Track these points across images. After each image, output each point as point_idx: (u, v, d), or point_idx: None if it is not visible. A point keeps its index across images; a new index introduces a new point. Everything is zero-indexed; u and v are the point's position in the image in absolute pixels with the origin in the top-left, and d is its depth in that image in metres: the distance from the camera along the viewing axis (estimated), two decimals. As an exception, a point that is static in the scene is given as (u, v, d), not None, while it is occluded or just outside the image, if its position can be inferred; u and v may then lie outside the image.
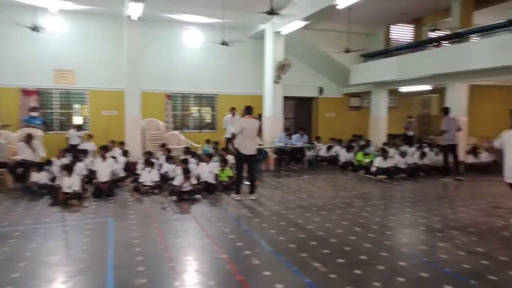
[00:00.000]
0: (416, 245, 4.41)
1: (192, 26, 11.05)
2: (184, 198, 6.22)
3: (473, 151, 9.81)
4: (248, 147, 6.40)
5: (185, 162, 6.78)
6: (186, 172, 6.38)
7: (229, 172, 7.38)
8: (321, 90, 12.95)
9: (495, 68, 7.84)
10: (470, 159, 9.71)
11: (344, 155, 10.46)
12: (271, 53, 10.23)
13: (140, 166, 7.57)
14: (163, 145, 8.70)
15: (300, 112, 13.39)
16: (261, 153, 9.55)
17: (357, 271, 3.55)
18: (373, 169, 8.97)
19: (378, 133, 11.87)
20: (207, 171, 7.08)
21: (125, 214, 5.49)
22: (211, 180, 7.00)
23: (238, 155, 6.49)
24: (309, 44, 11.47)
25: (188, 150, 8.43)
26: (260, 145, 9.82)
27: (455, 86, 9.34)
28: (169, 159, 7.84)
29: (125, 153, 8.37)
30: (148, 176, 6.91)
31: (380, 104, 11.87)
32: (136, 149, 8.93)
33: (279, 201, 6.44)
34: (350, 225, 5.05)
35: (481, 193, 7.14)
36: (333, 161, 10.86)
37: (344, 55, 11.45)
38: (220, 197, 6.68)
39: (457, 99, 9.38)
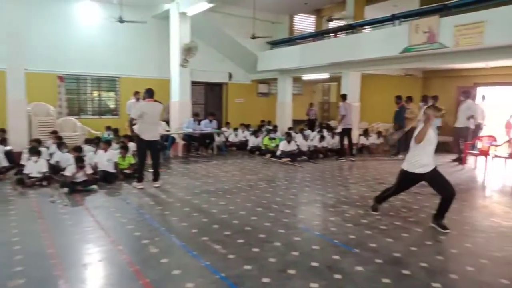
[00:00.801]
0: (310, 220, 4.72)
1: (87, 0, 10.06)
2: (77, 189, 5.68)
3: (365, 133, 10.89)
4: (150, 133, 6.08)
5: (78, 150, 6.20)
6: (79, 161, 5.84)
7: (131, 159, 6.98)
8: (230, 76, 12.99)
9: (382, 58, 8.72)
10: (362, 141, 10.76)
11: (252, 140, 10.74)
12: (177, 35, 9.86)
13: (25, 156, 6.70)
14: (53, 132, 7.82)
15: (210, 97, 13.28)
16: (168, 139, 9.24)
17: (255, 249, 3.65)
18: (278, 152, 9.37)
19: (284, 119, 12.40)
20: (105, 159, 6.58)
21: (3, 211, 4.81)
22: (111, 169, 6.54)
23: (139, 141, 6.13)
24: (217, 28, 11.34)
25: (94, 139, 7.75)
26: (167, 131, 9.49)
27: (349, 75, 10.16)
28: (61, 146, 7.06)
29: (3, 141, 7.29)
30: (35, 167, 6.16)
31: (285, 91, 12.38)
32: (21, 137, 7.86)
33: (185, 187, 6.31)
34: (252, 206, 5.18)
35: (369, 171, 7.95)
36: (242, 146, 11.10)
37: (252, 42, 11.61)
38: (120, 186, 6.28)
39: (351, 86, 10.23)
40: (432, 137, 4.19)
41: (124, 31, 10.03)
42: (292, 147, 9.35)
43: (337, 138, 9.84)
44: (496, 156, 7.98)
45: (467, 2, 7.25)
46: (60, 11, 9.86)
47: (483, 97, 10.15)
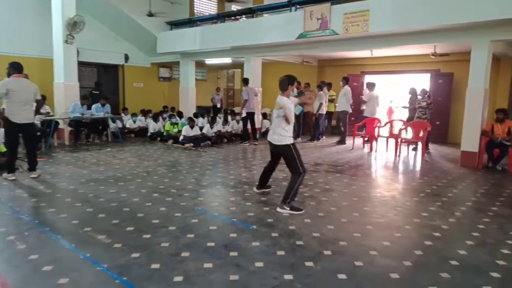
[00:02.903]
0: (209, 202, 4.54)
1: None
2: None
3: (267, 118, 11.14)
4: (21, 115, 5.16)
5: None
6: None
7: (1, 148, 5.92)
8: (126, 58, 12.01)
9: (280, 43, 8.91)
10: (267, 125, 10.99)
11: (152, 126, 10.15)
12: (59, 7, 8.64)
13: None
14: None
15: (104, 81, 12.08)
16: (51, 125, 8.12)
17: (146, 236, 3.33)
18: (180, 138, 9.01)
19: (188, 104, 11.97)
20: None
21: None
22: (-28, 159, 5.44)
23: (9, 125, 5.18)
24: (109, 4, 10.30)
25: None
26: (50, 114, 8.35)
27: (251, 60, 10.20)
28: None
29: None
30: None
31: (188, 75, 11.92)
32: None
33: (69, 177, 5.57)
34: (148, 192, 4.80)
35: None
36: (141, 133, 10.44)
37: (150, 21, 10.91)
38: (-14, 179, 5.28)
39: (253, 72, 10.29)
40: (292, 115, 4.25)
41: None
42: (195, 132, 9.08)
43: (241, 123, 9.86)
44: (379, 136, 8.86)
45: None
46: None
47: (373, 85, 11.12)
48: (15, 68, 5.13)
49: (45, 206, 4.17)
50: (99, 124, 9.27)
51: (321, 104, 9.99)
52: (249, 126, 9.55)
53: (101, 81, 11.05)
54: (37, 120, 7.63)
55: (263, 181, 4.82)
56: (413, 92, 9.41)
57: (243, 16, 10.10)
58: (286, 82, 4.25)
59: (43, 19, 9.38)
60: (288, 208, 4.06)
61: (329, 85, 10.78)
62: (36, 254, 2.93)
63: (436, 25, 6.49)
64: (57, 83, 9.02)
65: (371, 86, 9.93)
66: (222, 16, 10.39)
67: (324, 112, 10.25)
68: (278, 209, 4.11)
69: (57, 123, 8.23)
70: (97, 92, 10.03)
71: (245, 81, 9.67)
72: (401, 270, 2.80)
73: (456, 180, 5.89)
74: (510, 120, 6.76)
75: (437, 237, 3.48)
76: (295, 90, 4.52)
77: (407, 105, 9.59)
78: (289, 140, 4.20)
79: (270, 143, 4.38)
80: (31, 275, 2.62)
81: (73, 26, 8.57)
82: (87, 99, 9.18)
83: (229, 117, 10.58)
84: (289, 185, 4.14)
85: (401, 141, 8.31)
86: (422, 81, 11.25)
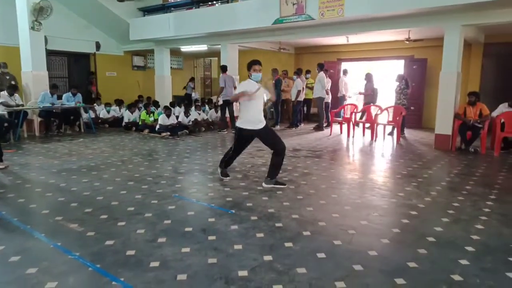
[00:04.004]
0: (187, 188, 4.45)
1: None
2: None
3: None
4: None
5: None
6: None
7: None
8: (98, 46, 11.58)
9: (256, 29, 8.79)
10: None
11: (127, 116, 9.89)
12: (23, -9, 8.21)
13: None
14: None
15: (75, 70, 11.64)
16: (19, 116, 7.75)
17: (121, 223, 3.22)
18: (157, 127, 8.82)
19: (164, 93, 11.70)
20: None
21: None
22: None
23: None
24: (77, -11, 9.87)
25: None
26: (19, 105, 7.97)
27: (227, 47, 10.03)
28: None
29: None
30: None
31: (163, 63, 11.63)
32: None
33: (39, 167, 5.34)
34: (123, 180, 4.65)
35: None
36: (116, 123, 10.15)
37: (121, 7, 10.53)
38: None
39: (230, 59, 10.12)
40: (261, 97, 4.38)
41: None
42: (171, 120, 8.89)
43: (219, 111, 9.73)
44: (356, 122, 8.95)
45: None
46: None
47: (345, 71, 11.23)
48: None
49: (14, 196, 3.97)
50: (70, 114, 8.92)
51: (298, 91, 9.98)
52: (227, 114, 9.44)
53: (72, 71, 10.62)
54: (2, 111, 7.29)
55: (228, 163, 4.85)
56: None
57: (219, 1, 9.88)
58: (247, 67, 4.49)
59: (7, 4, 8.88)
60: (273, 183, 4.35)
61: (308, 72, 10.78)
62: (2, 245, 2.77)
63: (410, 9, 6.53)
64: (24, 72, 8.60)
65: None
66: (196, 2, 10.13)
67: (302, 99, 10.25)
68: (264, 184, 4.38)
69: (25, 113, 7.86)
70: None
71: (223, 68, 9.52)
72: (379, 248, 2.82)
73: (431, 162, 6.01)
74: (481, 103, 6.94)
75: (414, 216, 3.53)
76: (260, 75, 4.49)
77: (363, 91, 10.02)
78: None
79: (250, 130, 4.31)
80: (-4, 267, 2.48)
81: (39, 12, 8.15)
82: (57, 87, 8.78)
83: (207, 106, 10.41)
84: (275, 162, 4.34)
85: (377, 125, 8.41)
86: (396, 68, 11.43)
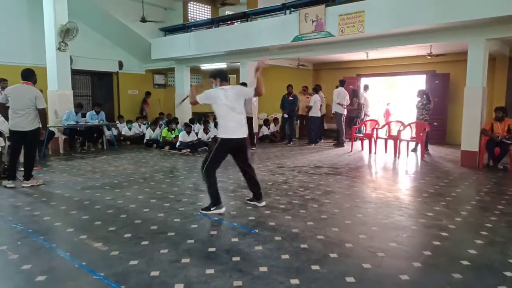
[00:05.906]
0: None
1: None
2: None
3: (265, 123, 11.06)
4: (15, 121, 5.06)
5: None
6: None
7: None
8: (120, 65, 11.90)
9: (275, 46, 8.84)
10: (266, 131, 10.92)
11: (149, 133, 10.04)
12: (52, 14, 8.53)
13: None
14: None
15: (98, 88, 11.97)
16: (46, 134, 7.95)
17: (144, 242, 3.20)
18: (177, 144, 8.91)
19: (184, 111, 11.86)
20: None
21: None
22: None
23: (10, 132, 5.14)
24: (101, 10, 10.21)
25: None
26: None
27: (246, 65, 10.13)
28: None
29: None
30: None
31: (183, 82, 11.82)
32: None
33: (63, 184, 5.43)
34: (146, 198, 4.67)
35: (270, 157, 8.01)
36: (137, 140, 10.30)
37: (143, 27, 10.81)
38: (-22, 188, 5.12)
39: (249, 76, 10.19)
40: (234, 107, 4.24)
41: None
42: (191, 137, 8.97)
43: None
44: (378, 138, 8.80)
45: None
46: None
47: (366, 87, 11.14)
48: (21, 75, 5.23)
49: (39, 214, 4.03)
50: (94, 132, 9.13)
51: (310, 106, 9.87)
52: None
53: (95, 89, 10.91)
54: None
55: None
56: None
57: (238, 20, 10.05)
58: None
59: (36, 27, 9.27)
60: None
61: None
62: (29, 264, 2.79)
63: (431, 24, 6.46)
64: (51, 91, 8.88)
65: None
66: (216, 21, 10.33)
67: (319, 115, 10.12)
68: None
69: (51, 132, 8.07)
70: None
71: (243, 86, 9.57)
72: (411, 272, 2.69)
73: (458, 180, 5.81)
74: (509, 118, 6.71)
75: (445, 237, 3.38)
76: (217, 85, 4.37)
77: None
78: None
79: (235, 140, 4.21)
80: (22, 286, 2.48)
81: (65, 33, 8.47)
82: (82, 106, 9.02)
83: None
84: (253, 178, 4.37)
85: (400, 142, 8.23)
86: (418, 83, 11.24)
